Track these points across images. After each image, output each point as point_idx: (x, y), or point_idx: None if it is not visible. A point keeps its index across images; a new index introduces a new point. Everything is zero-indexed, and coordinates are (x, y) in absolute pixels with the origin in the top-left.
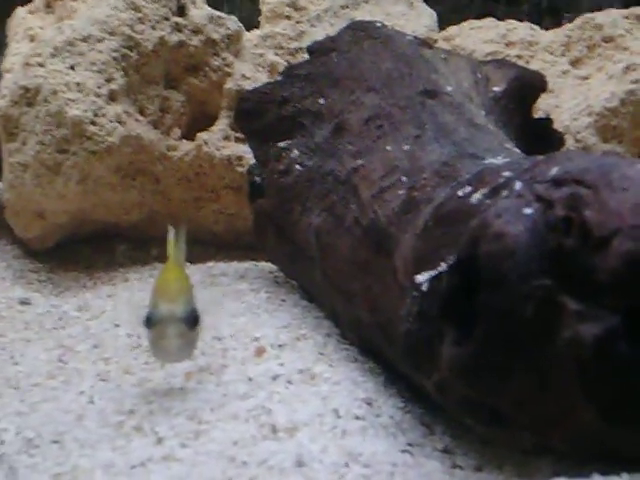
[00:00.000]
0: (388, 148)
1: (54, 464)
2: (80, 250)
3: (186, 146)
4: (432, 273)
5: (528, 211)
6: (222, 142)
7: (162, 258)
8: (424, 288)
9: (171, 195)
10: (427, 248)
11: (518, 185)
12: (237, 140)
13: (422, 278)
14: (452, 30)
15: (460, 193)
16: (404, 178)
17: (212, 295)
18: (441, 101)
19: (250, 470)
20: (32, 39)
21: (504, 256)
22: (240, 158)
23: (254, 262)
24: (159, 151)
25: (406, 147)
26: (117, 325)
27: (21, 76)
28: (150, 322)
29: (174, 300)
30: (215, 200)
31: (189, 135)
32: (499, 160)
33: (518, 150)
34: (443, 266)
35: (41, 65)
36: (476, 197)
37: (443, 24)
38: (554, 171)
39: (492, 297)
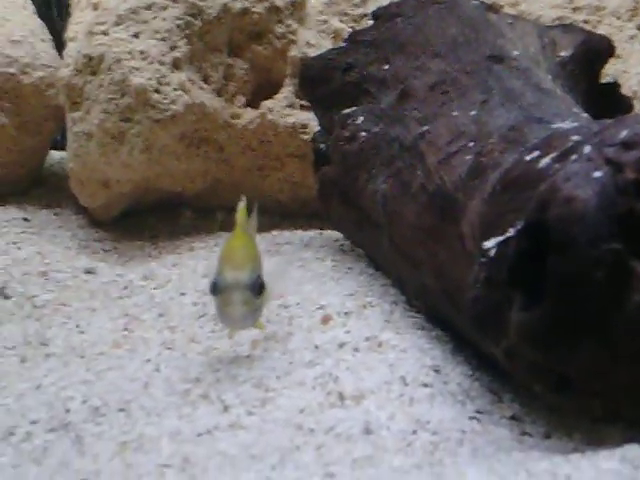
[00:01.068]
0: (454, 113)
1: (120, 432)
2: (144, 219)
3: (250, 114)
4: (500, 238)
5: (597, 174)
6: (286, 110)
7: (227, 227)
8: (492, 254)
9: (235, 163)
10: (495, 213)
11: (587, 149)
12: (301, 108)
13: (490, 244)
14: None
15: (528, 158)
16: (471, 143)
17: (278, 263)
18: (508, 66)
19: (317, 438)
20: (95, 7)
21: (574, 220)
22: (304, 126)
23: (319, 230)
24: (223, 119)
25: (472, 112)
26: (183, 294)
27: (85, 45)
28: (216, 289)
29: (240, 267)
30: (279, 168)
31: (253, 103)
32: (567, 124)
33: (586, 115)
34: (511, 231)
35: (105, 33)
36: (544, 161)
37: None
38: (624, 134)
39: (561, 262)
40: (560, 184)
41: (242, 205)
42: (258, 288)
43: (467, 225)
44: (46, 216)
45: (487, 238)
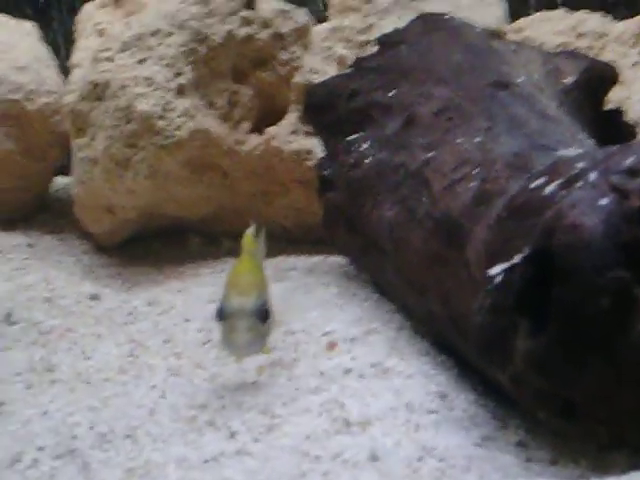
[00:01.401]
0: (459, 140)
1: (127, 459)
2: (149, 245)
3: (255, 140)
4: (505, 265)
5: (603, 202)
6: (291, 136)
7: (233, 252)
8: (497, 280)
9: (240, 189)
10: (500, 240)
11: (593, 176)
12: (306, 134)
13: (495, 270)
14: (522, 22)
15: (533, 185)
16: (476, 170)
17: (283, 289)
18: (512, 93)
19: (324, 464)
20: (101, 34)
21: (579, 247)
22: (309, 152)
23: (323, 256)
24: (228, 145)
25: (477, 139)
26: (188, 320)
27: (90, 71)
28: (221, 315)
29: (246, 294)
30: (284, 194)
31: (258, 129)
32: (572, 151)
33: (591, 141)
34: (517, 258)
35: (110, 60)
36: (550, 188)
37: (512, 16)
38: (629, 161)
39: (567, 289)
40: (566, 211)
41: (250, 231)
42: (264, 314)
43: (472, 252)
44: (51, 242)
45: (492, 265)
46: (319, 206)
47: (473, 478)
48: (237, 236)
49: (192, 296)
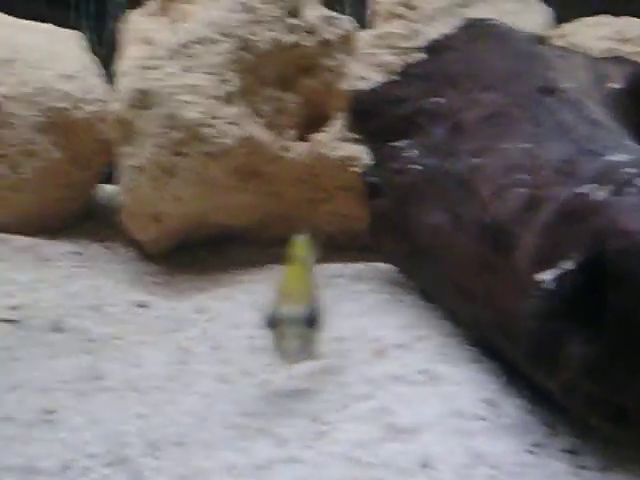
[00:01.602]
0: (507, 146)
1: (178, 466)
2: (195, 252)
3: (300, 147)
4: (556, 271)
5: None
6: (336, 143)
7: (279, 259)
8: (548, 286)
9: (285, 196)
10: (550, 246)
11: None
12: (351, 141)
13: (546, 276)
14: (567, 27)
15: (583, 190)
16: (524, 176)
17: (330, 296)
18: (559, 98)
19: (375, 471)
20: (147, 42)
21: (632, 253)
22: (354, 159)
23: (369, 263)
24: (274, 152)
25: (525, 145)
26: (235, 327)
27: (136, 79)
28: (271, 322)
29: (295, 301)
30: (329, 201)
31: (303, 136)
32: (620, 157)
33: (637, 147)
34: (568, 264)
35: (157, 68)
36: (600, 194)
37: (557, 21)
38: None
39: (620, 295)
40: (617, 217)
41: (301, 237)
42: (313, 321)
43: (522, 257)
44: (98, 250)
45: (542, 271)
46: (364, 213)
47: None
48: (282, 243)
49: (239, 303)
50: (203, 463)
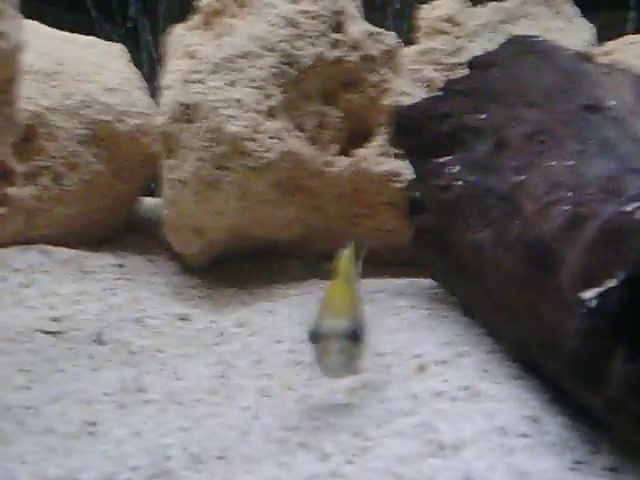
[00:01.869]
0: (551, 163)
1: None
2: (238, 266)
3: (343, 162)
4: (601, 289)
5: None
6: (380, 158)
7: (322, 274)
8: (592, 304)
9: (328, 211)
10: (594, 264)
11: None
12: (394, 156)
13: (590, 294)
14: (610, 45)
15: (629, 208)
16: (568, 194)
17: (372, 311)
18: (604, 116)
19: None
20: (191, 56)
21: None
22: (397, 174)
23: (411, 278)
24: (317, 167)
25: (569, 162)
26: (278, 341)
27: (181, 93)
28: (314, 337)
29: (339, 315)
30: (372, 216)
31: (347, 151)
32: None
33: None
34: (613, 282)
35: (201, 82)
36: None
37: (600, 39)
38: None
39: None
40: None
41: (347, 251)
42: (356, 336)
43: (566, 275)
44: (140, 262)
45: (587, 289)
46: (407, 228)
47: None
48: (325, 257)
49: (282, 317)
50: (245, 477)
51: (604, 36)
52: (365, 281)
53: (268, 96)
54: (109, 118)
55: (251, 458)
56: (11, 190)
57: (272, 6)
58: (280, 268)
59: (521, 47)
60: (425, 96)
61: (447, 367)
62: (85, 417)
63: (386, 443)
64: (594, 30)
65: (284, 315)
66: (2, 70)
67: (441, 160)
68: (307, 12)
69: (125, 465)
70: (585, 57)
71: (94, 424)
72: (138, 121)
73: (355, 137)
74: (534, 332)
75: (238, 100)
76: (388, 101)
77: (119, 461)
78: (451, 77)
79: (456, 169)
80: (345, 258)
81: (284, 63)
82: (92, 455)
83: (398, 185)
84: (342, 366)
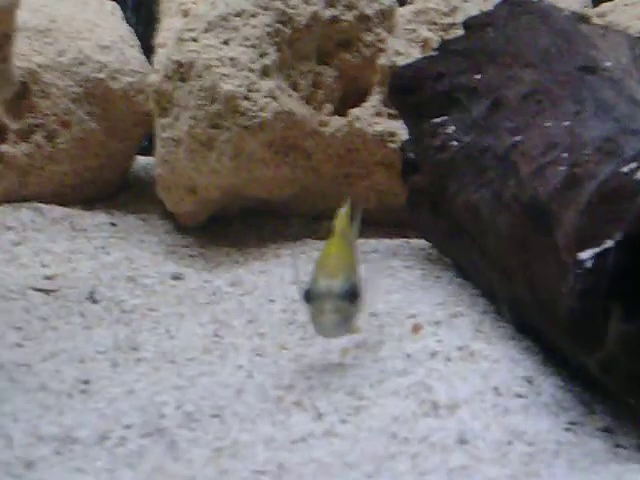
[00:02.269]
0: (547, 124)
1: (215, 438)
2: (231, 225)
3: (338, 122)
4: (597, 250)
5: None
6: (374, 118)
7: (316, 233)
8: (588, 265)
9: (322, 171)
10: (591, 225)
11: None
12: (389, 116)
13: (586, 255)
14: (606, 6)
15: (625, 169)
16: (565, 154)
17: (365, 272)
18: (600, 77)
19: (412, 447)
20: (185, 14)
21: None
22: (392, 134)
23: (405, 239)
24: (311, 127)
25: (566, 123)
26: (271, 300)
27: (174, 51)
28: (309, 297)
29: (334, 275)
30: (366, 177)
31: (341, 111)
32: None
33: None
34: (608, 243)
35: (195, 40)
36: None
37: (596, 1)
38: None
39: None
40: None
41: (343, 211)
42: (352, 296)
43: (562, 236)
44: (133, 221)
45: (583, 249)
46: (401, 189)
47: (562, 463)
48: (319, 217)
49: (275, 277)
50: (239, 436)
51: None
52: (359, 241)
53: (262, 55)
54: (102, 76)
55: (245, 417)
56: (4, 147)
57: None
58: (273, 228)
59: (517, 7)
60: (420, 56)
61: (441, 327)
62: (78, 375)
63: (380, 402)
64: None
65: (276, 275)
66: None
67: (436, 120)
68: None
69: (119, 423)
70: (581, 18)
71: (87, 382)
72: (132, 79)
73: (350, 97)
74: (529, 292)
75: (232, 59)
76: (383, 61)
77: (113, 419)
78: (447, 37)
79: (451, 129)
80: (341, 217)
81: (278, 22)
82: (85, 413)
83: (393, 145)
84: (337, 326)
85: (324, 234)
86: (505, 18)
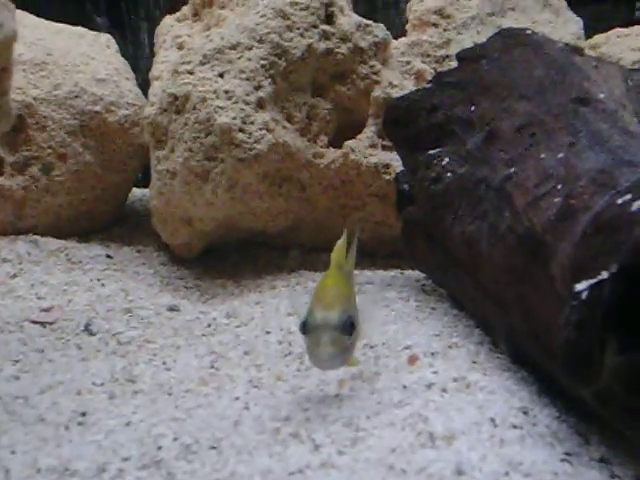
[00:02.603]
0: (542, 156)
1: (212, 470)
2: (227, 257)
3: (333, 154)
4: (592, 281)
5: None
6: (369, 150)
7: (311, 265)
8: (584, 296)
9: (317, 203)
10: (586, 256)
11: None
12: (384, 148)
13: (582, 286)
14: (598, 38)
15: (620, 201)
16: (559, 186)
17: (361, 303)
18: (594, 108)
19: (409, 478)
20: (180, 47)
21: None
22: (387, 166)
23: (399, 270)
24: (306, 159)
25: (560, 155)
26: (267, 332)
27: (170, 84)
28: (305, 329)
29: (330, 307)
30: (361, 208)
31: (336, 143)
32: None
33: None
34: (604, 274)
35: (190, 73)
36: (637, 205)
37: (588, 32)
38: None
39: None
40: None
41: (340, 243)
42: (348, 328)
43: (558, 267)
44: (129, 253)
45: (578, 281)
46: (396, 220)
47: None
48: (314, 249)
49: (270, 308)
50: (237, 467)
51: (593, 29)
52: (354, 272)
53: (257, 87)
54: (98, 109)
55: (242, 448)
56: (0, 180)
57: None
58: (268, 259)
59: (511, 39)
60: (415, 88)
61: (437, 359)
62: (76, 407)
63: (377, 434)
64: (581, 23)
65: (272, 306)
66: None
67: (431, 152)
68: (297, 3)
69: (117, 455)
70: (575, 50)
71: (85, 414)
72: (127, 112)
73: (344, 129)
74: (525, 323)
75: (227, 91)
76: (378, 93)
77: (110, 451)
78: (441, 69)
79: (446, 161)
80: (337, 249)
81: (274, 54)
82: (83, 445)
83: (387, 177)
84: (333, 357)
85: (315, 266)
86: (499, 50)
